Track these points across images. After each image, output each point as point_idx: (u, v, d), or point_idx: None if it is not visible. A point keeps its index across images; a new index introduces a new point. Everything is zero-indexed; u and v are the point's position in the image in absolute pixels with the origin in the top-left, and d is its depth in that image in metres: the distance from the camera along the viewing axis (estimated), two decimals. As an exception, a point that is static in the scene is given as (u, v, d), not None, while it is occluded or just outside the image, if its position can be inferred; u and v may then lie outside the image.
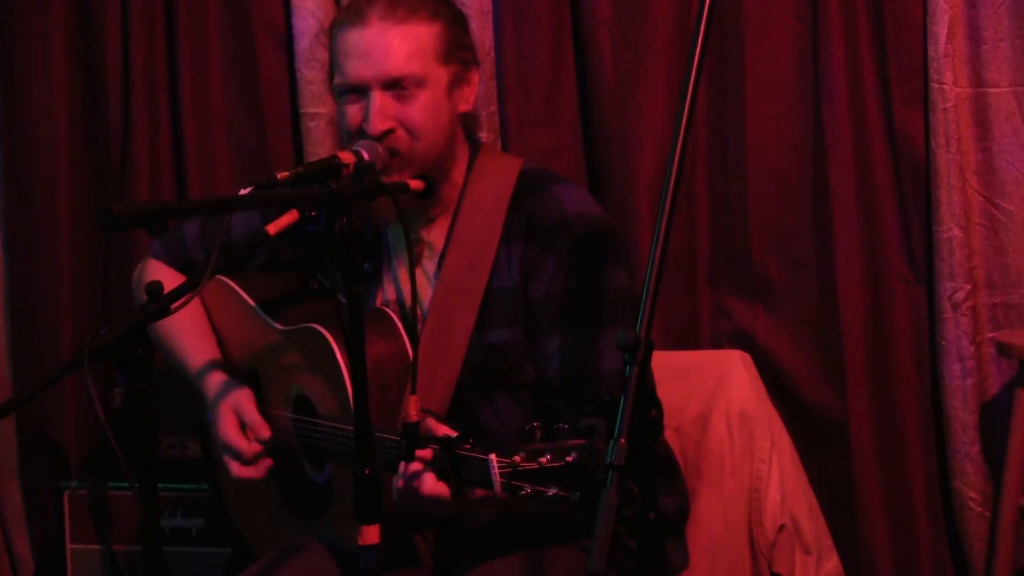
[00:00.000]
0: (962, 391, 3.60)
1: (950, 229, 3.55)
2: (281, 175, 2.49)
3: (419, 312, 2.83)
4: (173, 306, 2.33)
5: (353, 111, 2.78)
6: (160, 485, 2.39)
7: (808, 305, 3.70)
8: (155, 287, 2.35)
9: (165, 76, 3.95)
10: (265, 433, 2.83)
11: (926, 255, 3.63)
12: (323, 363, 2.73)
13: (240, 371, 3.02)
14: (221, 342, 3.06)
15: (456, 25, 2.84)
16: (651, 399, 2.01)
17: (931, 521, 3.69)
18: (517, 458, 2.33)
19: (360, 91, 2.76)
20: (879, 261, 3.66)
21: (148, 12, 3.91)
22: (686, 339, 3.73)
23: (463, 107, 2.86)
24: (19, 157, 4.02)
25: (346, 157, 2.62)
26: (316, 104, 3.81)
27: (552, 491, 2.28)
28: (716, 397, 3.29)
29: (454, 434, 2.46)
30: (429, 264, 2.88)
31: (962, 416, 3.60)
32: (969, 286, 3.57)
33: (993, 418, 3.61)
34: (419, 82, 2.75)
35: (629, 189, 3.69)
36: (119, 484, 3.67)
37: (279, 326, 2.90)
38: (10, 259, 4.06)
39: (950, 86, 3.52)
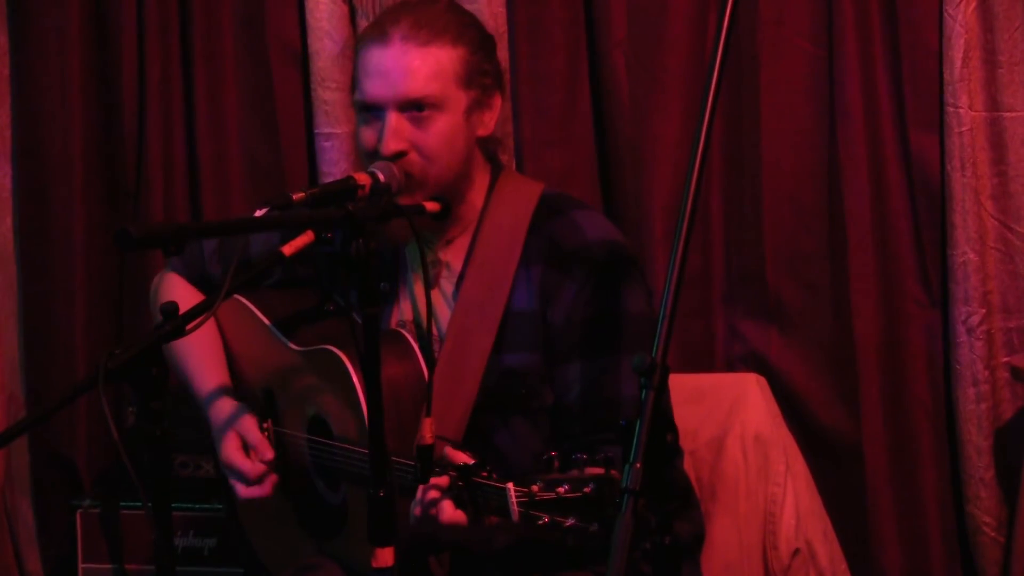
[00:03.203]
0: (976, 415, 3.59)
1: (965, 253, 3.54)
2: (297, 196, 2.49)
3: (436, 333, 2.84)
4: (188, 327, 2.32)
5: (369, 131, 2.77)
6: (173, 505, 2.38)
7: (822, 328, 3.69)
8: (170, 307, 2.35)
9: (180, 95, 3.96)
10: (268, 454, 2.84)
11: (941, 279, 3.63)
12: (339, 385, 2.73)
13: (254, 391, 3.02)
14: (234, 362, 3.06)
15: (481, 50, 2.82)
16: (667, 423, 2.00)
17: (945, 545, 3.68)
18: (535, 488, 2.32)
19: (377, 110, 2.76)
20: (894, 284, 3.66)
21: (164, 31, 3.93)
22: (700, 361, 3.72)
23: (482, 131, 2.85)
24: (34, 175, 4.04)
25: (362, 179, 2.63)
26: (331, 124, 3.81)
27: (570, 521, 2.28)
28: (731, 420, 3.28)
29: (472, 461, 2.46)
30: (447, 285, 2.87)
31: (976, 440, 3.59)
32: (984, 310, 3.57)
33: (1007, 443, 3.60)
34: (437, 105, 2.74)
35: (644, 210, 3.69)
36: (131, 503, 3.67)
37: (295, 346, 2.90)
38: (24, 277, 4.07)
39: (965, 110, 3.51)
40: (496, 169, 2.91)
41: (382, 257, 2.89)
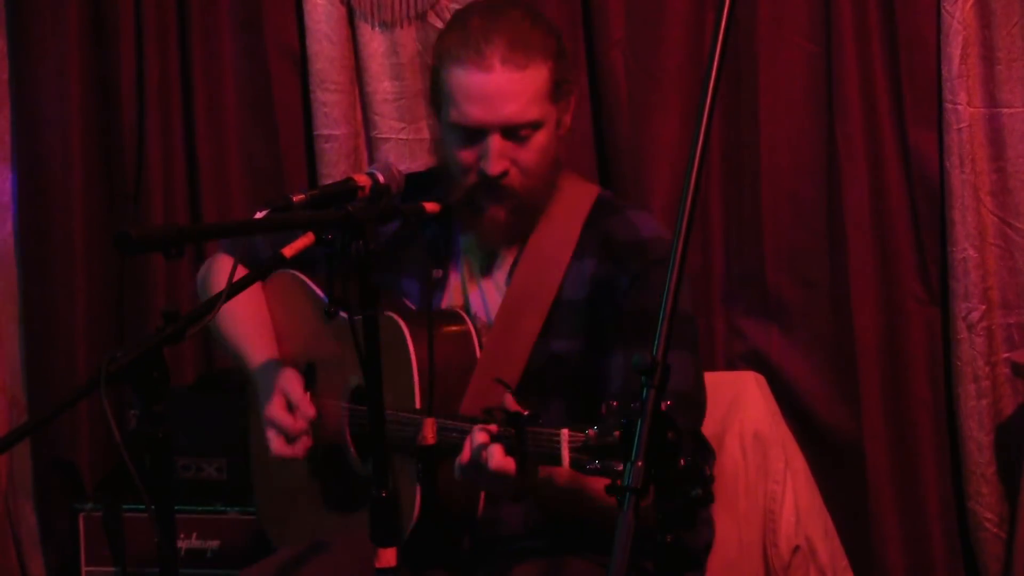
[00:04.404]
0: (977, 411, 3.60)
1: (964, 249, 3.55)
2: (297, 198, 2.50)
3: (486, 320, 2.88)
4: (189, 332, 2.32)
5: (467, 152, 2.80)
6: (176, 507, 2.38)
7: (822, 326, 3.70)
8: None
9: (179, 97, 3.96)
10: (311, 411, 2.85)
11: (941, 275, 3.63)
12: (391, 351, 2.74)
13: (297, 365, 3.02)
14: (279, 336, 3.07)
15: (561, 56, 2.84)
16: (669, 422, 2.00)
17: (947, 542, 3.69)
18: (591, 432, 2.32)
19: (476, 132, 2.78)
20: (893, 282, 3.66)
21: (162, 34, 3.92)
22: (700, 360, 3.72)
23: (562, 132, 2.89)
24: (34, 179, 4.03)
25: (362, 180, 2.64)
26: (330, 126, 3.82)
27: (622, 466, 2.25)
28: (730, 419, 3.28)
29: (525, 412, 2.46)
30: (500, 275, 2.91)
31: (977, 436, 3.60)
32: (984, 306, 3.57)
33: (1008, 439, 3.60)
34: (536, 126, 2.78)
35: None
36: (134, 506, 3.66)
37: (347, 315, 2.91)
38: (25, 281, 4.06)
39: (964, 106, 3.52)
40: (558, 166, 2.94)
41: (435, 245, 2.94)
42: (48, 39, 3.97)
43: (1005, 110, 3.56)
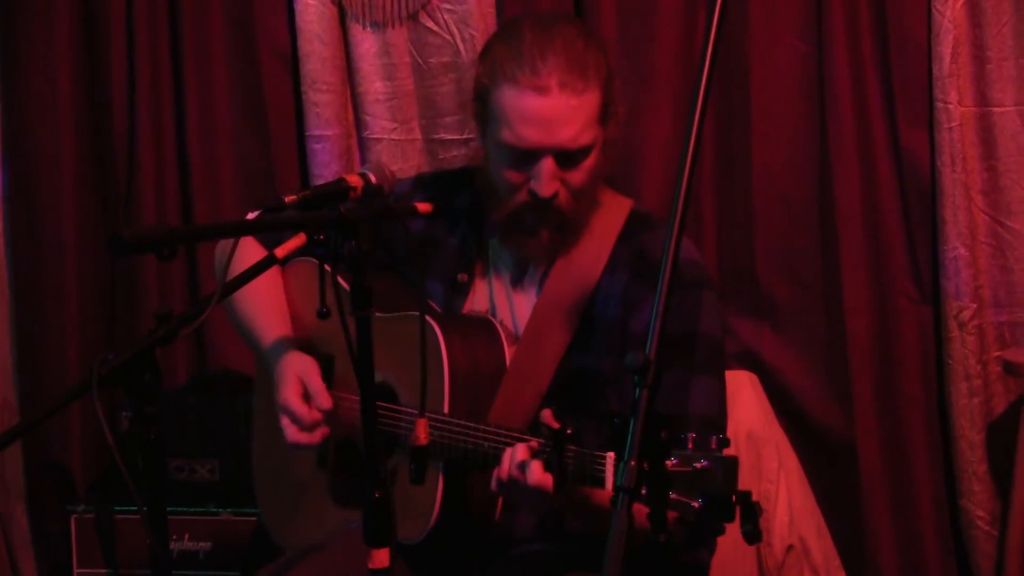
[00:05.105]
0: (969, 410, 3.60)
1: (956, 248, 3.55)
2: (289, 198, 2.48)
3: (513, 330, 2.86)
4: (183, 332, 2.32)
5: (517, 172, 2.77)
6: (168, 509, 2.38)
7: (815, 325, 3.70)
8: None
9: (171, 97, 3.96)
10: (326, 403, 2.81)
11: (932, 274, 3.64)
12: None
13: (315, 356, 3.01)
14: (299, 327, 3.05)
15: (611, 77, 2.80)
16: (662, 420, 2.00)
17: (939, 540, 3.69)
18: None
19: (529, 153, 2.75)
20: (885, 281, 3.66)
21: (153, 34, 3.92)
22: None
23: (609, 150, 2.85)
24: (25, 180, 4.03)
25: (354, 180, 2.62)
26: (322, 127, 3.82)
27: (674, 495, 2.22)
28: (724, 418, 3.29)
29: (569, 431, 2.44)
30: (531, 286, 2.89)
31: (969, 435, 3.61)
32: (975, 305, 3.58)
33: (1000, 437, 3.61)
34: (588, 151, 2.76)
35: (635, 210, 3.70)
36: (126, 508, 3.67)
37: (377, 313, 2.90)
38: (15, 282, 4.06)
39: (955, 106, 3.53)
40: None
41: (464, 249, 2.93)
42: (38, 39, 3.96)
43: (996, 109, 3.57)
